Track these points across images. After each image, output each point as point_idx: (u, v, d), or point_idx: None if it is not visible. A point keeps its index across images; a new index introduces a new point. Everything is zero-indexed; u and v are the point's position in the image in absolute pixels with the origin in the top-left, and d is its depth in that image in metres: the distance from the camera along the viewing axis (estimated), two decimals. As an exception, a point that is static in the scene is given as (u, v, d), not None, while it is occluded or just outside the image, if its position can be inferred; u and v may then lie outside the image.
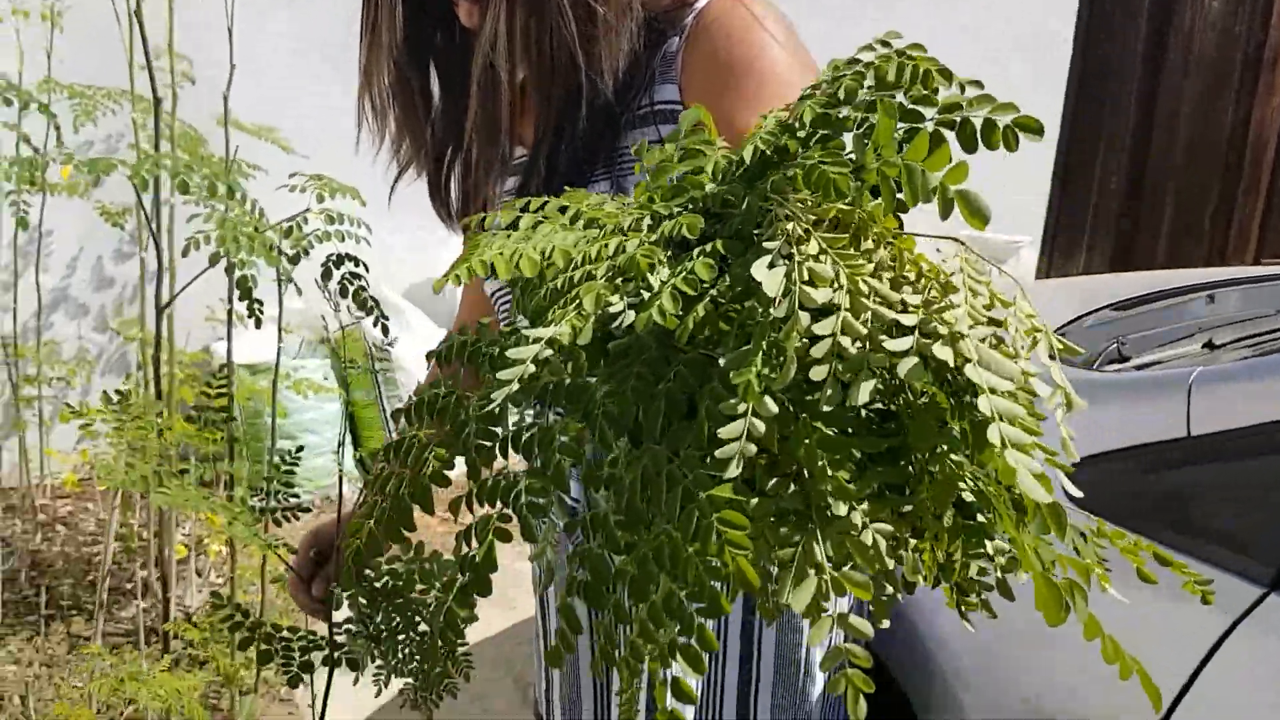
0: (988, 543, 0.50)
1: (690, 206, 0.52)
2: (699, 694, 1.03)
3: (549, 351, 0.46)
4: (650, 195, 0.55)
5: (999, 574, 0.50)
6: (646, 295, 0.46)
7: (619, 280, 0.48)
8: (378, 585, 1.15)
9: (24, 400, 2.90)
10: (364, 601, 1.14)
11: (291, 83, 3.26)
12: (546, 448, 0.51)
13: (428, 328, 3.57)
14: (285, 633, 1.13)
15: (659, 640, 0.43)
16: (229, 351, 1.83)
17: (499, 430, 0.55)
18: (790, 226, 0.45)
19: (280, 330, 1.85)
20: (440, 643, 0.54)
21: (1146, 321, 1.99)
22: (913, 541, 0.47)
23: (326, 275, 1.34)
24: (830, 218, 0.46)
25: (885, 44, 0.49)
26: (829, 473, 0.41)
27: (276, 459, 1.40)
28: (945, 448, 0.45)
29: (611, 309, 0.47)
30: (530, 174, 0.99)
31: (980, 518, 0.48)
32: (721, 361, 0.43)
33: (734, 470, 0.40)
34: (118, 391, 1.62)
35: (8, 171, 1.93)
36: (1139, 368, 1.62)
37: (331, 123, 3.34)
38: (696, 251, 0.48)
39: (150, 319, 2.79)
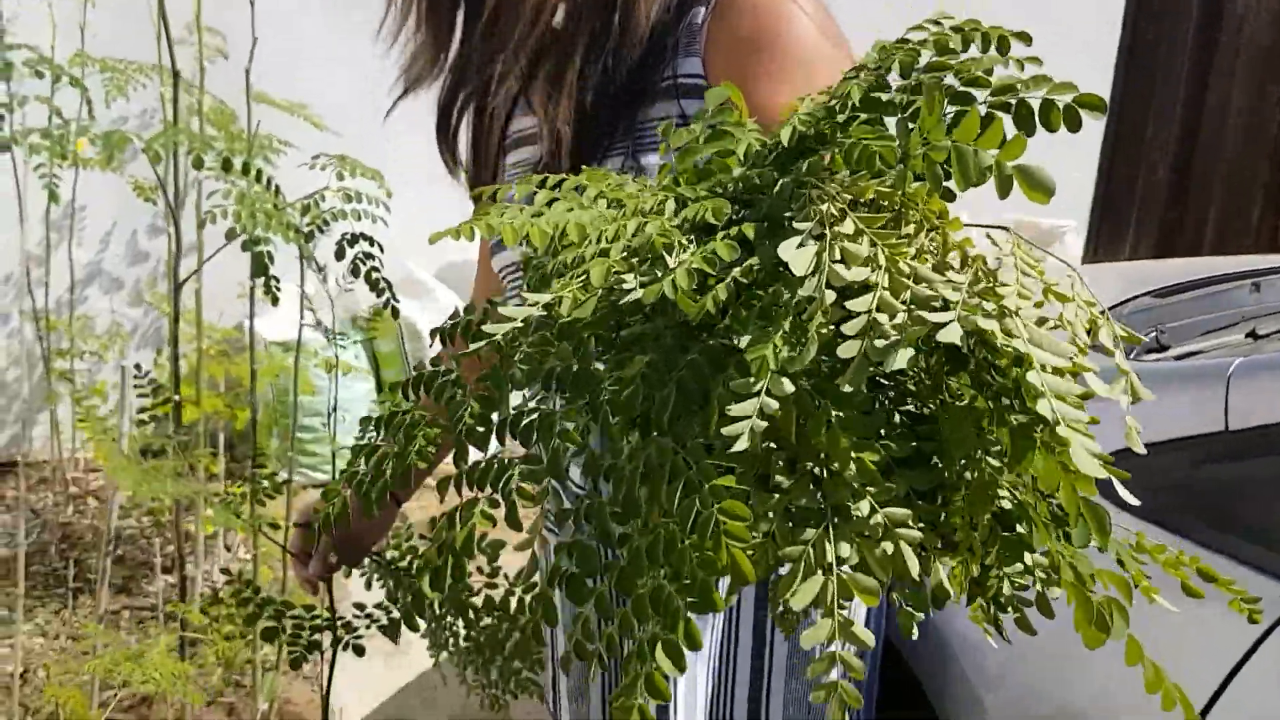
0: (1026, 556, 0.46)
1: (718, 192, 0.48)
2: (711, 686, 1.01)
3: (541, 312, 0.43)
4: (675, 178, 0.51)
5: (1038, 588, 0.47)
6: (661, 275, 0.43)
7: (634, 260, 0.45)
8: (401, 565, 1.13)
9: (57, 374, 2.92)
10: (380, 580, 1.12)
11: (324, 59, 3.25)
12: (546, 433, 0.48)
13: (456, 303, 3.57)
14: (299, 610, 1.11)
15: (639, 635, 0.40)
16: (251, 328, 1.83)
17: (495, 413, 0.52)
18: (825, 207, 0.41)
19: (302, 308, 1.84)
20: (405, 622, 0.52)
21: (1187, 309, 1.92)
22: (945, 555, 0.43)
23: (340, 254, 1.33)
24: (868, 199, 0.42)
25: (937, 23, 0.45)
26: (851, 455, 0.38)
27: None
28: (982, 453, 0.41)
29: (624, 286, 0.43)
30: (544, 133, 0.95)
31: (1019, 528, 0.45)
32: (742, 342, 0.39)
33: (742, 444, 0.37)
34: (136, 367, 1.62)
35: (36, 145, 1.93)
36: (1178, 358, 1.56)
37: (365, 100, 3.33)
38: (720, 235, 0.44)
39: (185, 296, 2.80)
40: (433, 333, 0.63)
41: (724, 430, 0.37)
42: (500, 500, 0.49)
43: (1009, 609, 0.47)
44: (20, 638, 2.23)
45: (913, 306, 0.39)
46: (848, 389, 0.38)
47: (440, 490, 0.56)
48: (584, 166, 0.95)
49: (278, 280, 1.41)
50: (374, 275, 1.37)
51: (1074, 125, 0.40)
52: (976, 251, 0.43)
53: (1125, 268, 2.70)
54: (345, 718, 2.24)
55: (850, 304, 0.39)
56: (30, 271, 2.89)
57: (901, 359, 0.37)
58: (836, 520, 0.39)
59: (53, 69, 2.11)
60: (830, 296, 0.38)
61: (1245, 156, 4.87)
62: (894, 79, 0.46)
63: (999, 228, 0.43)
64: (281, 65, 2.59)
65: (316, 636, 1.10)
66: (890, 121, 0.45)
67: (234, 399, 2.93)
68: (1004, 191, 0.40)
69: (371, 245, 1.38)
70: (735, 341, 0.41)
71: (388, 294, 1.39)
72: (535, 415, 0.50)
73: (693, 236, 0.46)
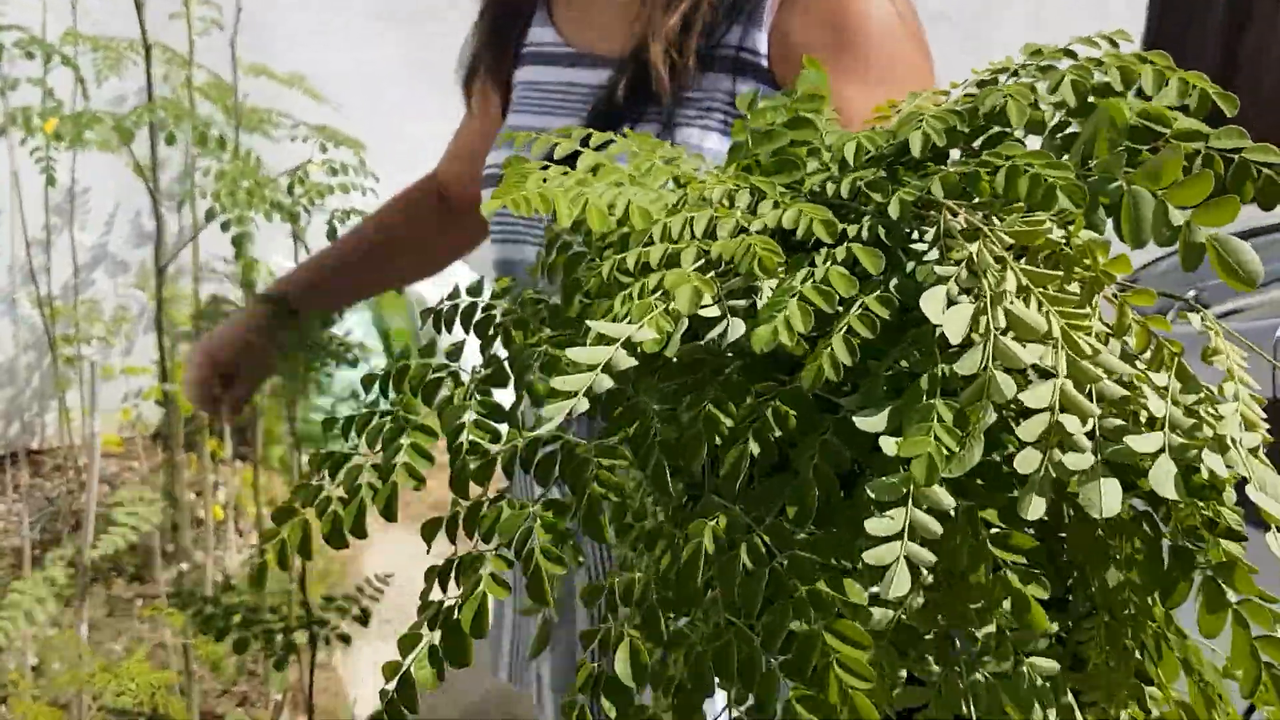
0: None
1: (799, 189, 0.39)
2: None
3: (630, 360, 0.33)
4: (748, 163, 0.42)
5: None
6: (758, 301, 0.34)
7: (712, 274, 0.35)
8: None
9: (65, 359, 2.87)
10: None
11: (311, 31, 3.16)
12: (575, 474, 0.38)
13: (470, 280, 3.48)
14: (267, 615, 1.10)
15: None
16: None
17: (504, 430, 0.41)
18: (976, 248, 0.32)
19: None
20: (388, 716, 0.39)
21: None
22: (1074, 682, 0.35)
23: (331, 234, 1.27)
24: (1039, 245, 0.33)
25: (1113, 43, 0.36)
26: (1003, 604, 0.29)
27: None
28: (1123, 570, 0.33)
29: (704, 311, 0.34)
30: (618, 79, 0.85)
31: (1142, 657, 0.36)
32: (866, 422, 0.30)
33: (900, 588, 0.28)
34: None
35: (34, 126, 1.86)
36: (1220, 317, 1.46)
37: (366, 73, 3.25)
38: (823, 254, 0.35)
39: (186, 284, 2.73)
40: (424, 313, 0.53)
41: (866, 556, 0.28)
42: (511, 557, 0.38)
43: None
44: (30, 630, 2.19)
45: (1105, 408, 0.30)
46: (1032, 516, 0.29)
47: (426, 535, 0.43)
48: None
49: (256, 261, 1.35)
50: None
51: (1271, 201, 0.31)
52: (1170, 339, 0.34)
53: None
54: (361, 705, 2.20)
55: (1025, 397, 0.30)
56: (33, 257, 2.83)
57: (1111, 501, 0.28)
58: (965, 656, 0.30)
59: (44, 49, 2.04)
60: (1007, 384, 0.29)
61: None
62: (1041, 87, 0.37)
63: (1183, 300, 0.34)
64: (273, 40, 2.51)
65: (291, 638, 1.08)
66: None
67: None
68: (1191, 263, 0.31)
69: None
70: (840, 399, 0.32)
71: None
72: (559, 445, 0.39)
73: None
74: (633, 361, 0.33)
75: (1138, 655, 0.36)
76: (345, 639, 1.07)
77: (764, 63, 0.83)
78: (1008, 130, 0.36)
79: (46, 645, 2.27)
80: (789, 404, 0.34)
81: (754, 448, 0.32)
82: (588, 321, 0.34)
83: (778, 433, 0.33)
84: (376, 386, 0.47)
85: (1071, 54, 0.38)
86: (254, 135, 2.11)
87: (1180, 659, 0.36)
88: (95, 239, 3.21)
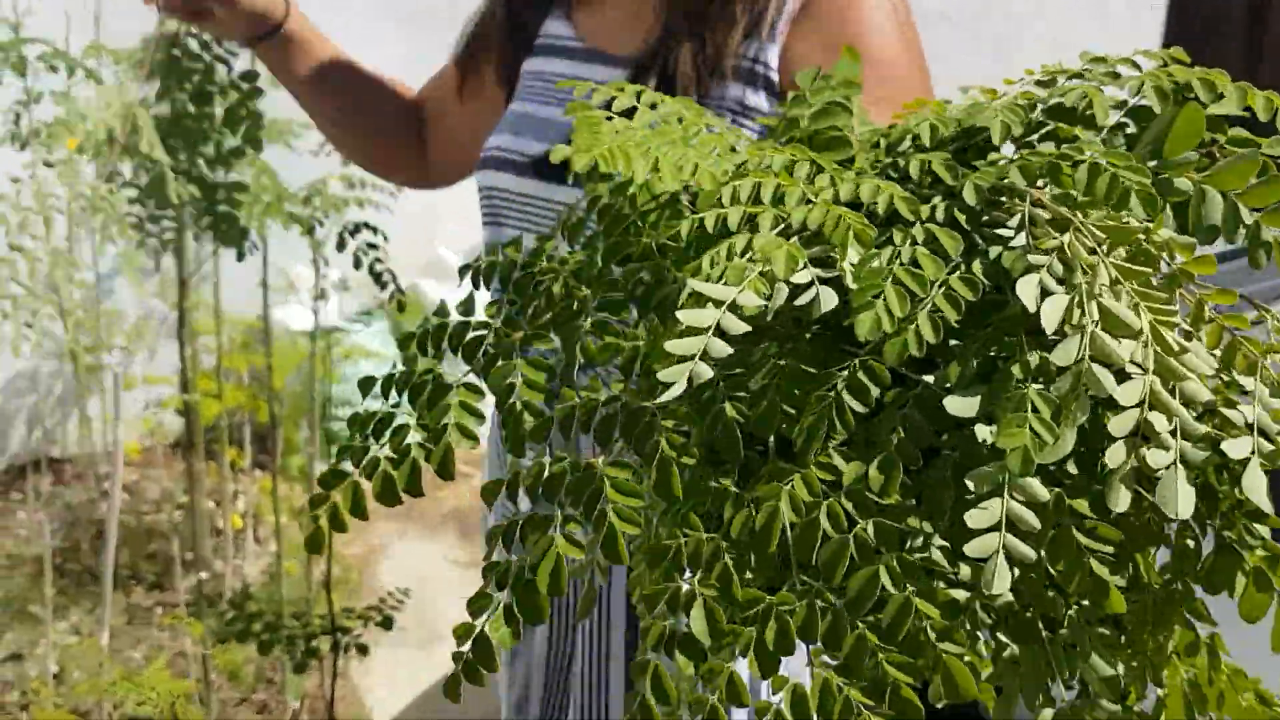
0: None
1: (849, 166, 0.40)
2: (585, 658, 0.95)
3: (743, 325, 0.33)
4: (799, 137, 0.43)
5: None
6: (846, 273, 0.35)
7: (794, 240, 0.36)
8: None
9: (86, 368, 2.89)
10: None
11: (323, 30, 3.18)
12: (644, 439, 0.37)
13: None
14: (290, 621, 1.13)
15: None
16: (266, 319, 1.79)
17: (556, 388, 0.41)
18: (1068, 239, 0.33)
19: (315, 297, 1.81)
20: (465, 677, 0.40)
21: (1235, 280, 1.80)
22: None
23: (341, 245, 1.29)
24: (1130, 243, 0.34)
25: (1179, 60, 0.37)
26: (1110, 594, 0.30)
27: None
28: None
29: (796, 278, 0.35)
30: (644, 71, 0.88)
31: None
32: (957, 404, 0.31)
33: (1002, 583, 0.29)
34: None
35: (56, 134, 1.88)
36: None
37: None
38: (902, 234, 0.36)
39: (209, 292, 2.75)
40: (462, 270, 0.52)
41: (968, 549, 0.29)
42: (580, 519, 0.38)
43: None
44: (53, 636, 2.20)
45: (1202, 415, 0.31)
46: (1119, 509, 0.30)
47: (486, 498, 0.42)
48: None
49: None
50: (377, 267, 1.33)
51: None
52: (1247, 339, 0.35)
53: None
54: (378, 713, 2.21)
55: (1117, 392, 0.31)
56: (57, 267, 2.85)
57: (1186, 503, 0.30)
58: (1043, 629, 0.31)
59: (67, 62, 2.06)
60: (1105, 377, 0.30)
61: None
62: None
63: (1262, 307, 0.35)
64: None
65: (314, 644, 1.11)
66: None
67: (259, 390, 2.90)
68: (1257, 261, 0.33)
69: (375, 234, 1.34)
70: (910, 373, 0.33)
71: (392, 286, 1.35)
72: (618, 406, 0.39)
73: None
74: (745, 326, 0.34)
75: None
76: (363, 649, 1.09)
77: (774, 76, 0.86)
78: (1067, 125, 0.38)
79: (67, 653, 2.28)
80: (869, 378, 0.35)
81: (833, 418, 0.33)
82: (687, 280, 0.34)
83: (856, 405, 0.34)
84: (414, 347, 0.46)
85: (1135, 64, 0.40)
86: (275, 145, 2.14)
87: (1205, 641, 0.37)
88: (119, 247, 3.24)
